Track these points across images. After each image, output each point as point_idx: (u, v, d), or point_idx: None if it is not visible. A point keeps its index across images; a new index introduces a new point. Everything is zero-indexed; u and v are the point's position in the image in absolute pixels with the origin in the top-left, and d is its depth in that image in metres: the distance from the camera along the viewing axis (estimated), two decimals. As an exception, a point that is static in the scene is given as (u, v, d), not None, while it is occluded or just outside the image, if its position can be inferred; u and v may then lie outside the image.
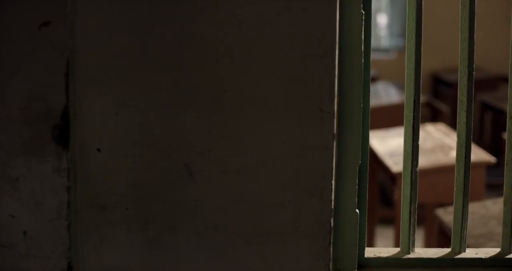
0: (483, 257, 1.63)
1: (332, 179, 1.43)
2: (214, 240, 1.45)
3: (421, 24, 1.58)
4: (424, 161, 3.40)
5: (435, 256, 1.63)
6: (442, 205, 3.28)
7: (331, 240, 1.46)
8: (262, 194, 1.44)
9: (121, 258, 1.47)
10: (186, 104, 1.42)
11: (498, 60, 7.00)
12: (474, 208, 2.79)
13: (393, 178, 3.40)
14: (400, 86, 6.51)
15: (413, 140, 1.60)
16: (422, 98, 4.99)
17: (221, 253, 1.46)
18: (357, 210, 1.56)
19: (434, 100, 5.58)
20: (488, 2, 6.58)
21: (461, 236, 1.64)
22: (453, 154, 3.48)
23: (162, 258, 1.46)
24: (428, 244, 3.52)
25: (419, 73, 1.59)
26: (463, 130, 1.61)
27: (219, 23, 1.39)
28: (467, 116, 1.60)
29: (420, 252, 1.64)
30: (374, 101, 5.11)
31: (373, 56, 6.74)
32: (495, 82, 6.53)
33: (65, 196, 1.42)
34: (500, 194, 4.63)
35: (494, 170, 5.17)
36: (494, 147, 5.66)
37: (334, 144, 1.43)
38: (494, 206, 2.75)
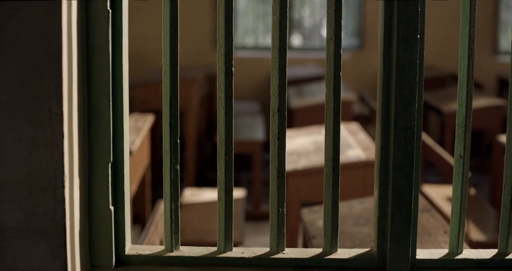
0: (248, 257, 1.64)
1: (63, 176, 1.44)
2: (-47, 236, 1.47)
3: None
4: (317, 159, 3.40)
5: (197, 255, 1.64)
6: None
7: (68, 238, 1.47)
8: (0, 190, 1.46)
9: None
10: None
11: (450, 59, 7.00)
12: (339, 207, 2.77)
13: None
14: (350, 85, 6.52)
15: (171, 137, 1.61)
16: (353, 96, 4.99)
17: (-39, 249, 1.48)
18: (111, 207, 1.58)
19: (370, 99, 5.57)
20: (441, 2, 6.55)
21: (225, 235, 1.65)
22: (349, 153, 3.47)
23: None
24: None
25: (176, 71, 1.60)
26: (222, 128, 1.61)
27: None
28: (225, 114, 1.61)
29: (184, 250, 1.65)
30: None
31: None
32: (445, 80, 6.52)
33: None
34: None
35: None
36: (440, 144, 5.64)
37: (65, 142, 1.44)
38: (359, 206, 2.73)
